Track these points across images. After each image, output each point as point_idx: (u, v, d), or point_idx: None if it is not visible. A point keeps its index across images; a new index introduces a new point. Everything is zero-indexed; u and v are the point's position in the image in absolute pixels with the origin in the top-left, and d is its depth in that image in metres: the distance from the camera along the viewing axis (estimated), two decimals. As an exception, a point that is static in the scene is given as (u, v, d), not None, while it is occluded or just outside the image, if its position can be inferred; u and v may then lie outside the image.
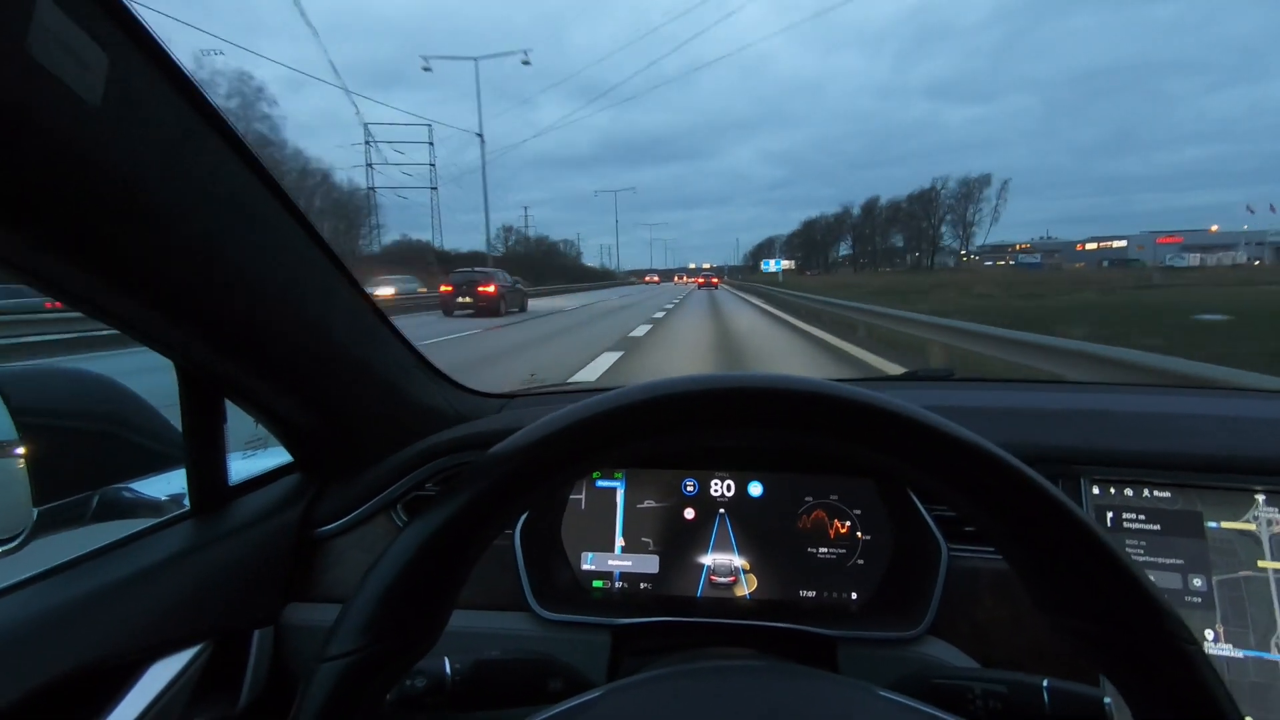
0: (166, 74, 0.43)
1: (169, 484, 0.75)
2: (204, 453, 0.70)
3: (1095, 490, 0.72)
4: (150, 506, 0.74)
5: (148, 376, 0.79)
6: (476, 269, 19.40)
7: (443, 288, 17.67)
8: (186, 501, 0.73)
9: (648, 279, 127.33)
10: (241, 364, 0.62)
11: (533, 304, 21.30)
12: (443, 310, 17.11)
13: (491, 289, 17.25)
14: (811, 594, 0.78)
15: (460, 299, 16.99)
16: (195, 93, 0.46)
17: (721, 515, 0.81)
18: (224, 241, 0.51)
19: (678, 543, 0.81)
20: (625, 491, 0.84)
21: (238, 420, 0.73)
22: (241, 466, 0.81)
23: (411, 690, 0.54)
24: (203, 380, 0.67)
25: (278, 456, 0.84)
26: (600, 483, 0.84)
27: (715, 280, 67.76)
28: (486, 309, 16.91)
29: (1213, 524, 0.68)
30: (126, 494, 0.72)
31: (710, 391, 0.36)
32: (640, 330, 11.67)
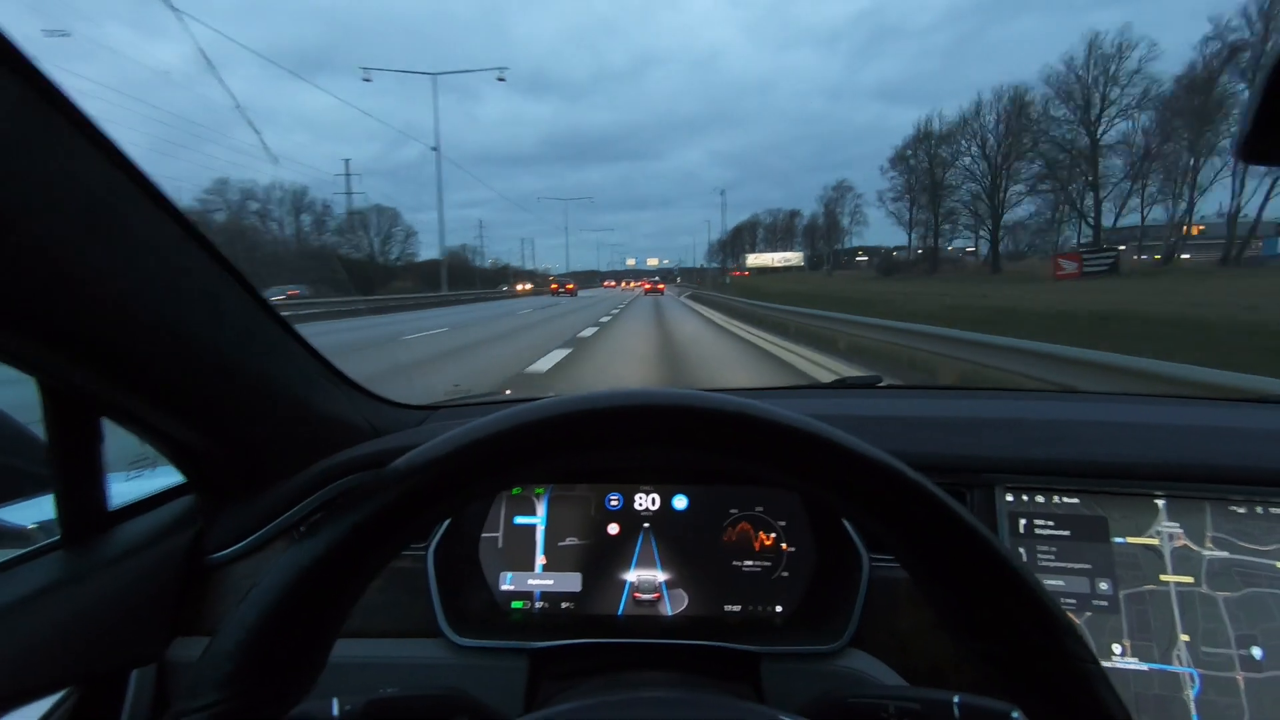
0: (3, 59, 0.38)
1: (40, 510, 0.68)
2: (76, 476, 0.63)
3: (1009, 498, 0.73)
4: (15, 536, 0.67)
5: (9, 387, 0.71)
6: (568, 276, 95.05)
7: (552, 286, 66.53)
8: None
9: (607, 284, 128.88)
10: (114, 382, 0.56)
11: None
12: (551, 294, 53.87)
13: (571, 287, 64.50)
14: (736, 608, 0.77)
15: (559, 292, 58.20)
16: (41, 78, 0.41)
17: (646, 530, 0.80)
18: (82, 246, 0.46)
19: (601, 560, 0.79)
20: (547, 507, 0.81)
21: (122, 435, 0.67)
22: (128, 488, 0.75)
23: None
24: (72, 397, 0.61)
25: (169, 476, 0.78)
26: (521, 498, 0.81)
27: (661, 286, 65.94)
28: (569, 294, 53.60)
29: (1119, 539, 0.70)
30: (-14, 523, 0.66)
31: (585, 412, 0.35)
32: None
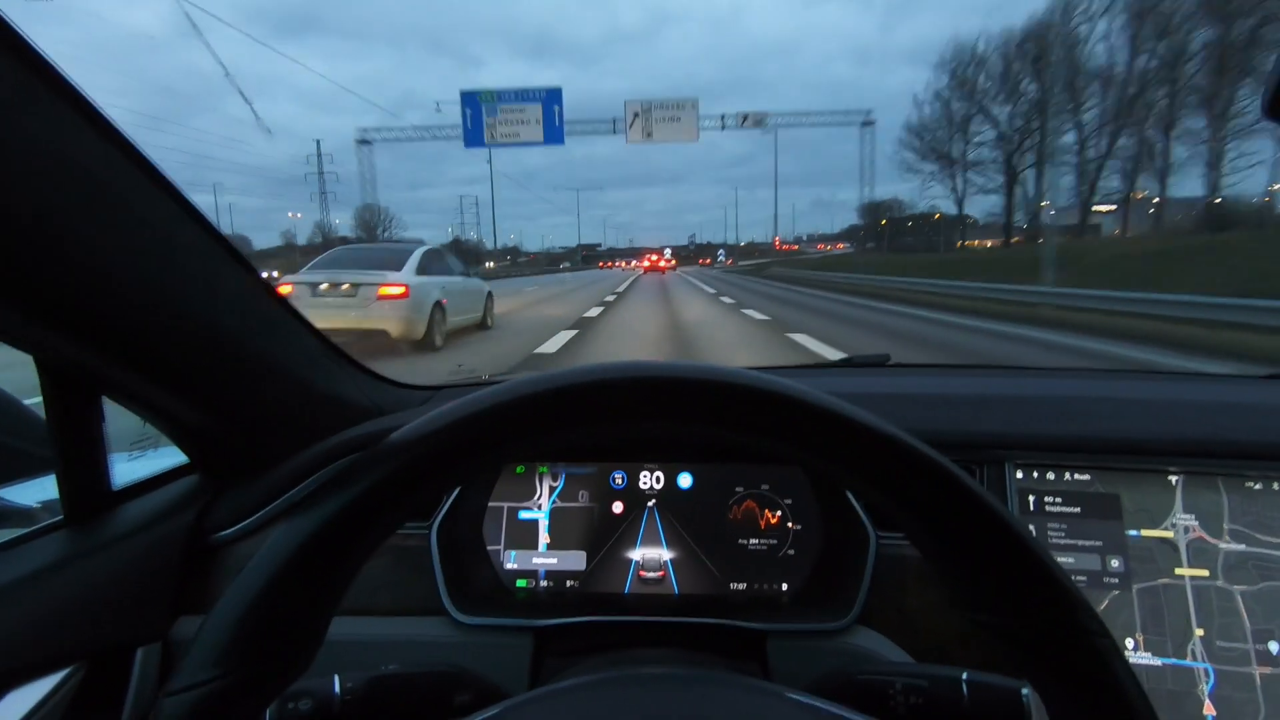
0: None
1: (44, 490, 0.69)
2: (78, 455, 0.63)
3: (1019, 474, 0.72)
4: (20, 515, 0.67)
5: (10, 369, 0.71)
6: (615, 254, 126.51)
7: (600, 264, 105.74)
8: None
9: (627, 264, 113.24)
10: (112, 359, 0.55)
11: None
12: (600, 267, 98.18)
13: (614, 265, 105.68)
14: (742, 586, 0.77)
15: (604, 266, 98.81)
16: (28, 49, 0.40)
17: (651, 508, 0.79)
18: (79, 222, 0.45)
19: (606, 538, 0.79)
20: (551, 485, 0.80)
21: (125, 415, 0.67)
22: (131, 468, 0.75)
23: (294, 714, 0.50)
24: (71, 376, 0.60)
25: (172, 456, 0.78)
26: (524, 475, 0.81)
27: (671, 262, 57.03)
28: (610, 269, 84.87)
29: (1133, 531, 0.68)
30: (-10, 502, 0.66)
31: (588, 384, 0.33)
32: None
